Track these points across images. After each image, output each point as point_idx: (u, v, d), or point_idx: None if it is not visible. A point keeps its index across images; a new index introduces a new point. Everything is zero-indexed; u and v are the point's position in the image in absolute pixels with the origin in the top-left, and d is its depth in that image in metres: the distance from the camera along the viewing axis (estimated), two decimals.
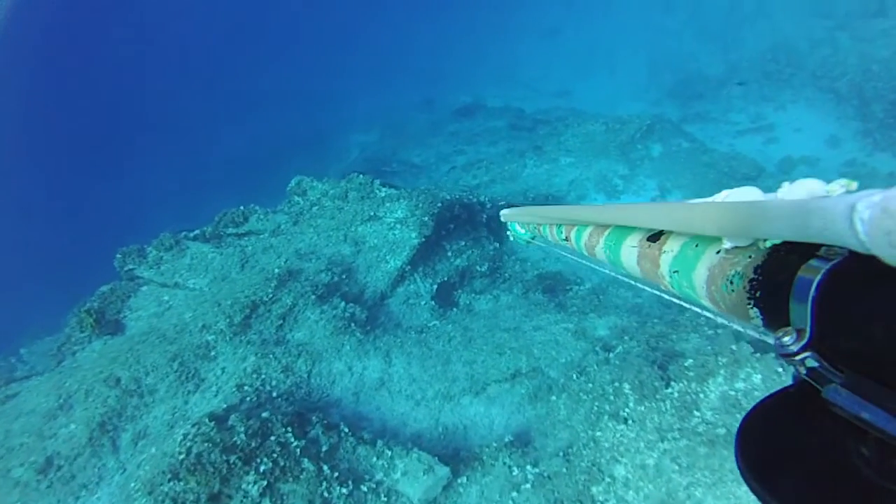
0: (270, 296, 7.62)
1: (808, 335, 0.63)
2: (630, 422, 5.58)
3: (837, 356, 0.60)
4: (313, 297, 7.76)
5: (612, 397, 5.85)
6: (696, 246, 0.96)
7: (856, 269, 0.60)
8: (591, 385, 6.18)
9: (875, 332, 0.54)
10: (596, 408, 5.93)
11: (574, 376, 6.55)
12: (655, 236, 1.13)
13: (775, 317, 0.73)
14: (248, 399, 6.59)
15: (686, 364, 5.55)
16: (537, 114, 22.80)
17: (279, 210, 9.54)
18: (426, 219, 8.79)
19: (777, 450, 0.66)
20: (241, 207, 9.27)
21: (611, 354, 6.61)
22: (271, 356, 6.99)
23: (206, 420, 5.63)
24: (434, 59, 36.53)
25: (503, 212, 2.45)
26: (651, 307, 8.73)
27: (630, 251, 1.23)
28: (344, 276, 8.39)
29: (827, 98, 18.84)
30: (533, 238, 2.42)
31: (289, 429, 5.71)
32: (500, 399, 6.97)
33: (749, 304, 0.79)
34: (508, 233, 2.69)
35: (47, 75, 38.96)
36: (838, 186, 0.70)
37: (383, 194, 9.22)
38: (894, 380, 0.53)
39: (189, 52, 44.79)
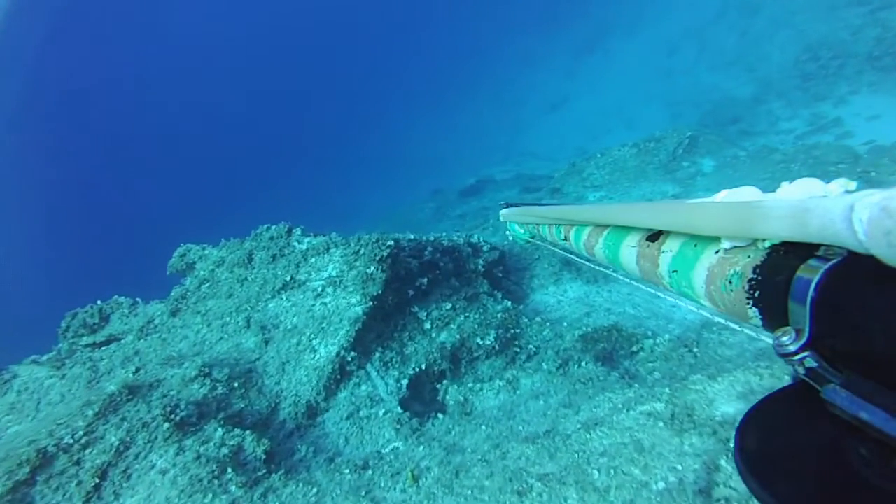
0: (81, 435, 4.08)
1: (806, 335, 0.62)
2: None
3: (836, 356, 0.60)
4: (166, 426, 4.18)
5: None
6: (695, 246, 0.94)
7: (855, 269, 0.59)
8: None
9: (874, 333, 0.53)
10: None
11: None
12: (654, 236, 1.10)
13: (774, 316, 0.72)
14: None
15: None
16: (553, 172, 19.94)
17: (156, 300, 6.24)
18: (372, 269, 5.31)
19: (776, 450, 0.64)
20: (98, 303, 6.04)
21: None
22: None
23: None
24: (441, 152, 35.46)
25: (502, 211, 2.34)
26: None
27: (629, 251, 1.20)
28: (237, 385, 4.81)
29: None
30: (532, 237, 2.32)
31: None
32: None
33: (748, 303, 0.78)
34: (508, 232, 2.55)
35: None
36: (837, 186, 0.68)
37: (304, 246, 5.86)
38: (893, 380, 0.53)
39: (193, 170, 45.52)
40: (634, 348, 5.58)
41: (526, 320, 6.52)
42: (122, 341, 5.74)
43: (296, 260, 5.73)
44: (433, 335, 5.78)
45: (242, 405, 4.72)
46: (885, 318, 0.52)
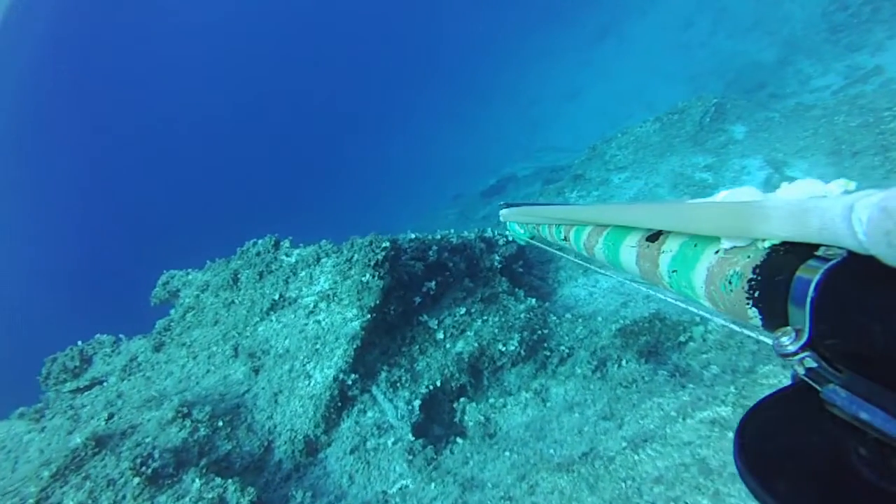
0: None
1: (806, 335, 0.61)
2: None
3: (836, 356, 0.59)
4: (136, 482, 3.56)
5: None
6: (695, 246, 0.93)
7: (854, 269, 0.58)
8: None
9: (873, 333, 0.52)
10: None
11: None
12: (654, 236, 1.09)
13: (774, 316, 0.71)
14: None
15: None
16: (574, 160, 19.14)
17: (140, 335, 5.68)
18: (367, 277, 4.62)
19: (776, 450, 0.63)
20: (79, 344, 5.53)
21: None
22: None
23: None
24: (461, 158, 35.00)
25: (502, 212, 2.31)
26: None
27: (629, 251, 1.19)
28: (221, 424, 4.17)
29: None
30: (532, 238, 2.28)
31: None
32: None
33: (748, 303, 0.76)
34: (508, 232, 2.55)
35: None
36: (837, 186, 0.67)
37: (293, 259, 5.22)
38: (893, 380, 0.52)
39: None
40: (682, 338, 4.73)
41: (555, 318, 5.74)
42: (105, 384, 5.20)
43: (284, 275, 5.10)
44: (447, 346, 5.05)
45: (229, 447, 4.07)
46: (885, 318, 0.51)
